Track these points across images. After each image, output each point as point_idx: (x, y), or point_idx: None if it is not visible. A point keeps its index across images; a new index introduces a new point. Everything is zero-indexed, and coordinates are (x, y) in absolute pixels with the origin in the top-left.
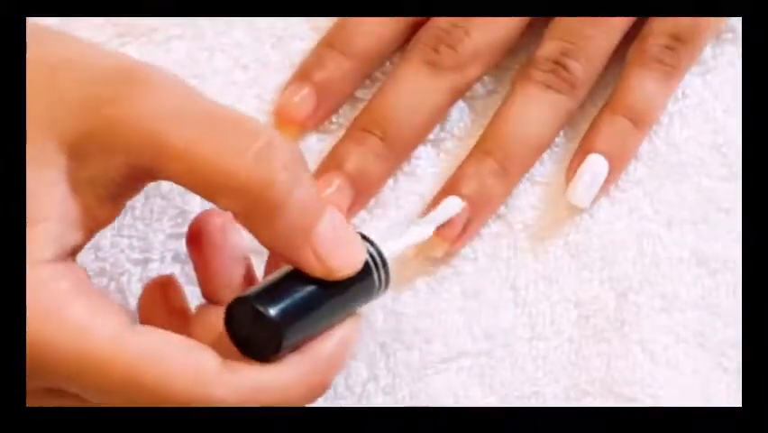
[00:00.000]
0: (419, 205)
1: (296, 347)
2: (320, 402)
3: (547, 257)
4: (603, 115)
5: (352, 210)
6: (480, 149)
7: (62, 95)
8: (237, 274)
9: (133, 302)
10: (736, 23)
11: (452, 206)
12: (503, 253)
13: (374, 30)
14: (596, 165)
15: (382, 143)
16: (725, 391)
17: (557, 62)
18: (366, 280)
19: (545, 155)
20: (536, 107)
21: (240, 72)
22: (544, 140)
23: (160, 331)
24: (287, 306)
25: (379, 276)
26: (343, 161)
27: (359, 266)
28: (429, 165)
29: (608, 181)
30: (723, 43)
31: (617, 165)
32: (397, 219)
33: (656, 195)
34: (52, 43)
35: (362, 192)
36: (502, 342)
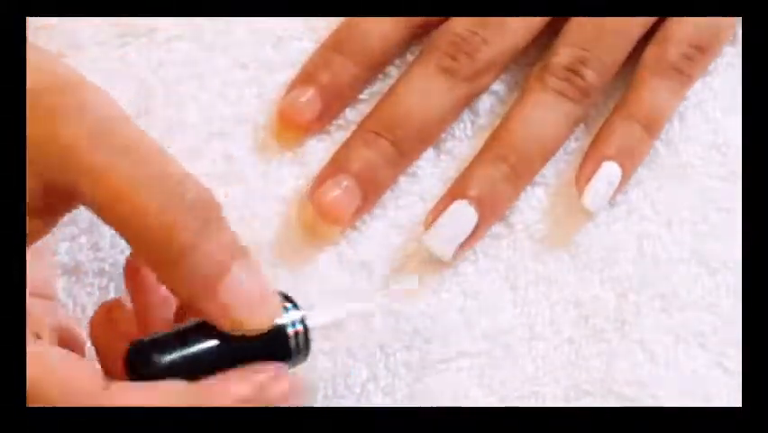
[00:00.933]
0: (419, 205)
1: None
2: (319, 402)
3: (547, 257)
4: (617, 120)
5: (358, 213)
6: (493, 152)
7: None
8: (168, 315)
9: None
10: (736, 23)
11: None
12: (503, 253)
13: (381, 33)
14: (611, 172)
15: (393, 148)
16: (725, 391)
17: (572, 70)
18: (278, 342)
19: None
20: (550, 114)
21: (240, 72)
22: (555, 146)
23: (56, 347)
24: (175, 351)
25: (297, 342)
26: (353, 162)
27: (268, 324)
28: (429, 166)
29: (618, 187)
30: None
31: (628, 171)
32: (397, 219)
33: (656, 195)
34: None
35: (370, 195)
36: (502, 342)
